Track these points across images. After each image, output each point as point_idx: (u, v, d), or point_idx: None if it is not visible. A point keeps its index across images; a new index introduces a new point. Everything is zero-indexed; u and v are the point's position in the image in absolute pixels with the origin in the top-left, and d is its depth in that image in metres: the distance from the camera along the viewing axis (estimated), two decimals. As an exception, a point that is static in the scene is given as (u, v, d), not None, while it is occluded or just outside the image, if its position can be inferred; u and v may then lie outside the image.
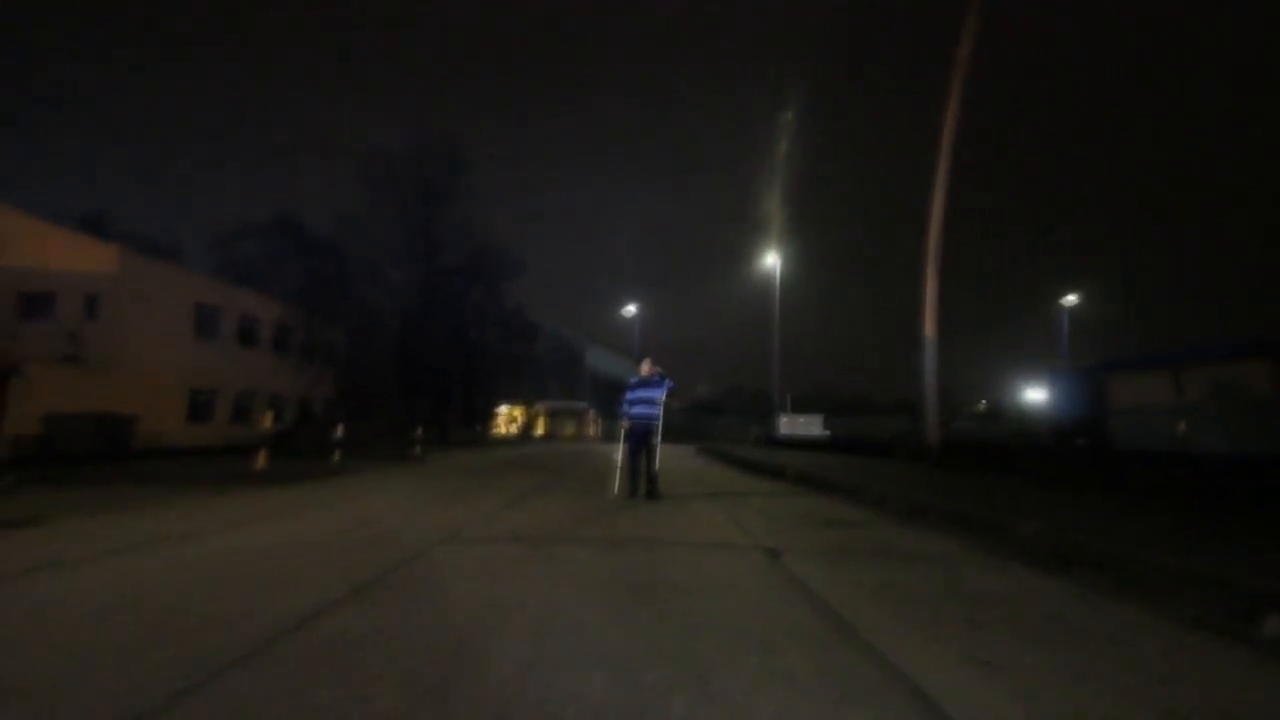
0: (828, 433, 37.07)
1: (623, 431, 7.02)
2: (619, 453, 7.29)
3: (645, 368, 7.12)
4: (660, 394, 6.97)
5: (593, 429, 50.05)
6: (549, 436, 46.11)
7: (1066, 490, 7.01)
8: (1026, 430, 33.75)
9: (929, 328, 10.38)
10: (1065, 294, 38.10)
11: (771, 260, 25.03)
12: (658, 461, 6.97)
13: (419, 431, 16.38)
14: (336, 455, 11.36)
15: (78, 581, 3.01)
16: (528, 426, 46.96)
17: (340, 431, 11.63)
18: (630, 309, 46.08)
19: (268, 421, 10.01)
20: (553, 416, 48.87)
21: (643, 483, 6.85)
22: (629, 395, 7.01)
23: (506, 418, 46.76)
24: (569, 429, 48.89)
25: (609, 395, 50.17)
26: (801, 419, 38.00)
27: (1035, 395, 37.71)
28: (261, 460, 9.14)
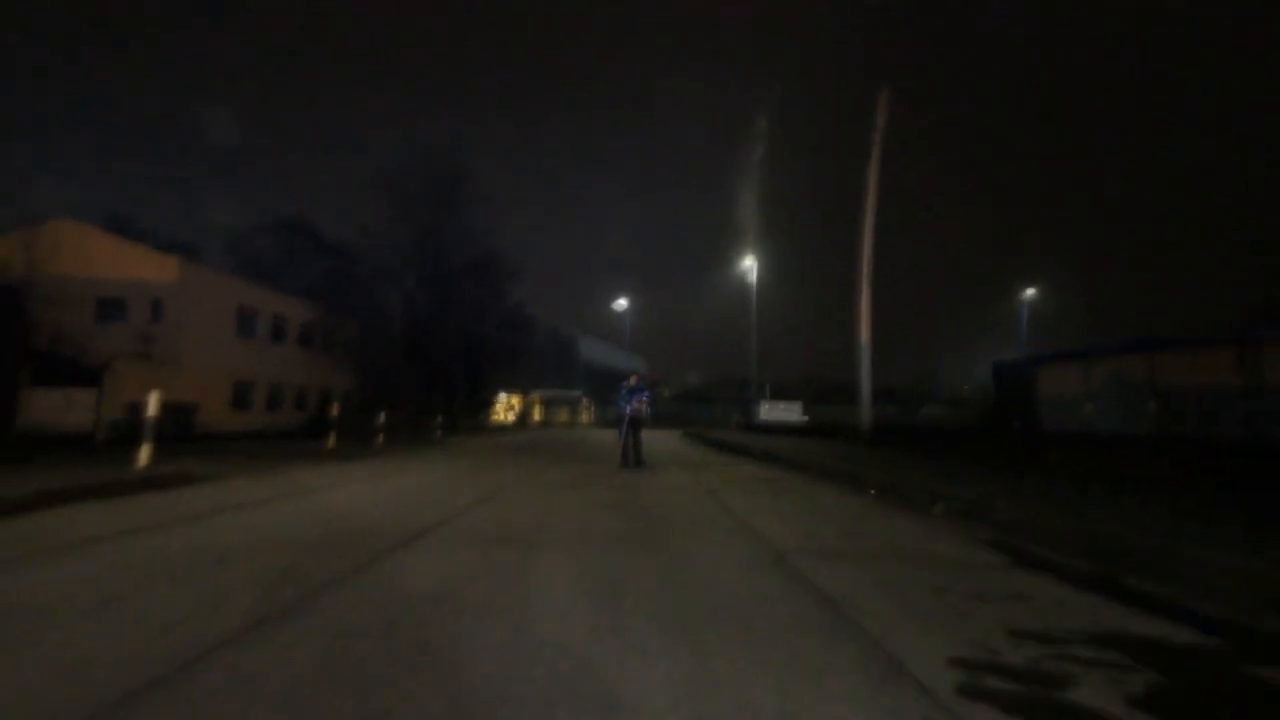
0: (806, 418, 39.83)
1: (622, 421, 9.49)
2: (615, 437, 9.76)
3: (633, 380, 9.64)
4: (644, 397, 9.54)
5: (586, 416, 52.57)
6: (544, 423, 48.53)
7: (940, 458, 9.60)
8: (985, 414, 36.59)
9: (863, 333, 12.90)
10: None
11: (751, 261, 27.45)
12: (643, 442, 9.49)
13: (438, 418, 18.83)
14: (380, 438, 13.76)
15: (298, 506, 5.45)
16: (524, 414, 49.30)
17: (382, 419, 14.02)
18: (621, 302, 48.45)
19: (335, 410, 12.35)
20: (548, 404, 51.28)
21: (633, 456, 9.34)
22: (624, 394, 9.51)
23: (504, 405, 49.05)
24: (563, 416, 51.35)
25: (602, 383, 52.65)
26: (782, 405, 40.71)
27: (1000, 383, 40.71)
28: (331, 441, 11.54)
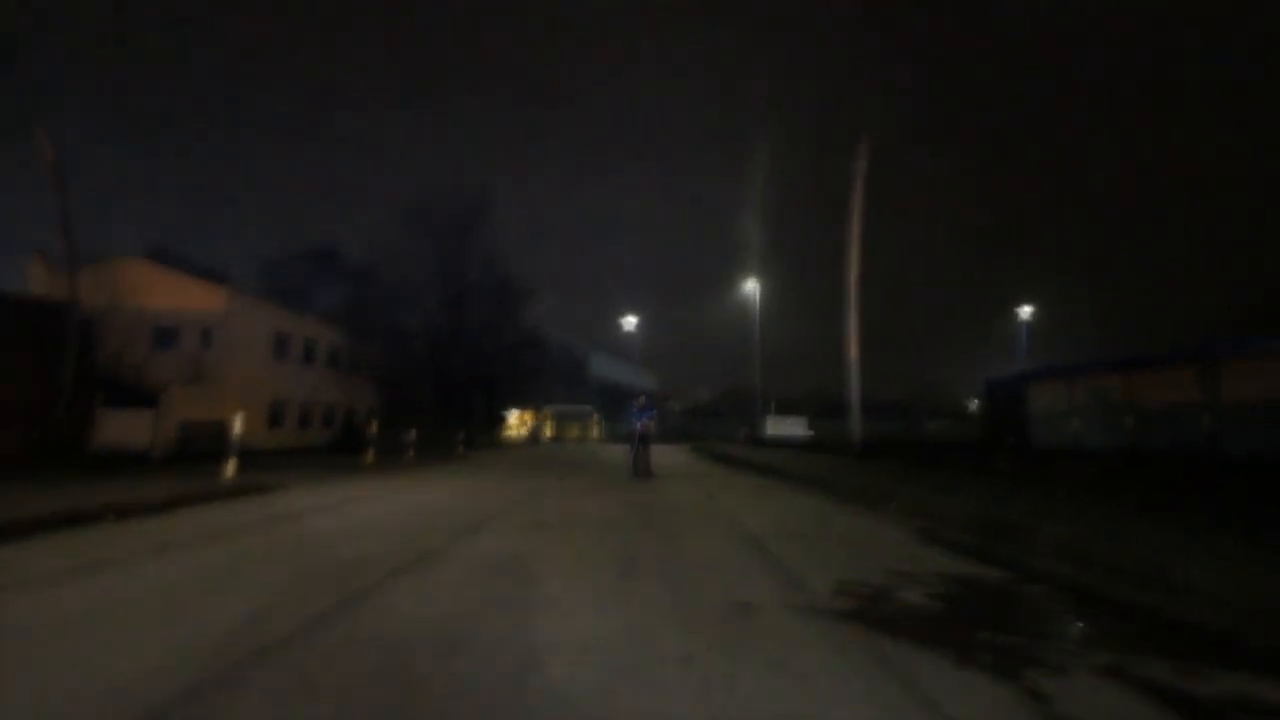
0: (811, 433, 40.80)
1: (633, 436, 10.74)
2: (625, 451, 11.00)
3: (641, 400, 10.91)
4: (652, 415, 10.83)
5: (596, 431, 53.70)
6: (556, 438, 49.68)
7: (916, 468, 10.72)
8: (983, 429, 37.33)
9: (852, 353, 14.09)
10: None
11: (755, 283, 28.72)
12: (652, 454, 10.73)
13: (461, 435, 20.14)
14: (411, 453, 15.06)
15: (348, 511, 6.71)
16: (537, 429, 50.52)
17: (413, 435, 15.32)
18: (630, 320, 49.87)
19: (374, 428, 13.68)
20: (559, 420, 52.48)
21: (643, 467, 10.56)
22: (634, 414, 10.77)
23: (517, 421, 50.29)
24: (574, 431, 52.49)
25: (612, 398, 53.86)
26: (788, 421, 41.78)
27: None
28: (370, 456, 12.83)
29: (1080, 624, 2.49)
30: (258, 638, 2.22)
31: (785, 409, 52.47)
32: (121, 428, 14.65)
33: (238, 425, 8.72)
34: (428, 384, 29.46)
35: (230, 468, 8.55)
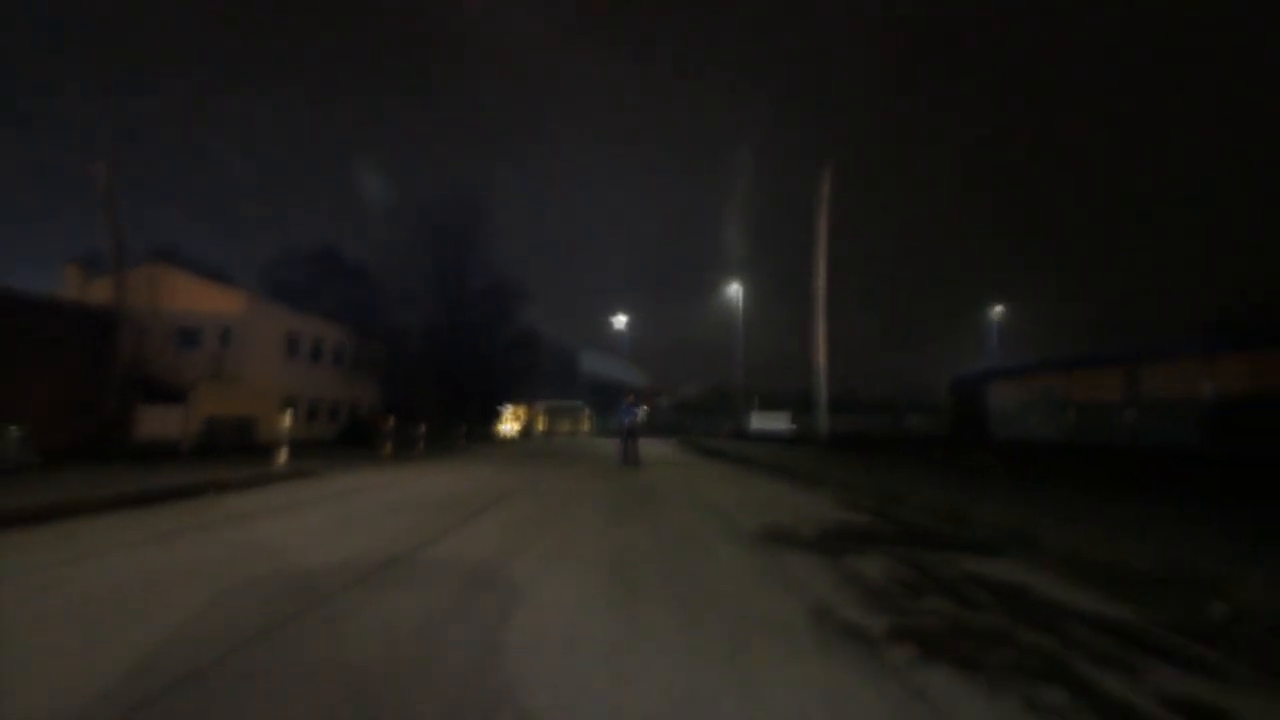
0: (794, 427, 42.62)
1: (622, 430, 12.29)
2: (615, 444, 12.54)
3: (630, 398, 12.48)
4: (638, 411, 12.40)
5: (587, 425, 55.25)
6: (548, 433, 51.15)
7: (869, 458, 12.36)
8: (951, 424, 39.27)
9: (819, 358, 15.71)
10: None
11: (738, 286, 30.30)
12: (639, 446, 12.31)
13: (463, 429, 21.58)
14: (421, 445, 16.49)
15: (393, 490, 8.20)
16: (529, 424, 51.93)
17: (423, 429, 16.75)
18: (620, 319, 51.37)
19: (390, 423, 15.12)
20: (551, 415, 53.96)
21: (631, 458, 12.11)
22: (624, 410, 12.33)
23: (511, 416, 51.67)
24: (566, 425, 54.01)
25: (602, 394, 55.45)
26: (771, 416, 43.61)
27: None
28: (388, 448, 14.28)
29: (892, 537, 4.08)
30: (419, 539, 3.74)
31: (771, 405, 54.24)
32: (157, 422, 15.95)
33: (287, 421, 10.14)
34: (427, 381, 30.84)
35: (283, 456, 9.96)
